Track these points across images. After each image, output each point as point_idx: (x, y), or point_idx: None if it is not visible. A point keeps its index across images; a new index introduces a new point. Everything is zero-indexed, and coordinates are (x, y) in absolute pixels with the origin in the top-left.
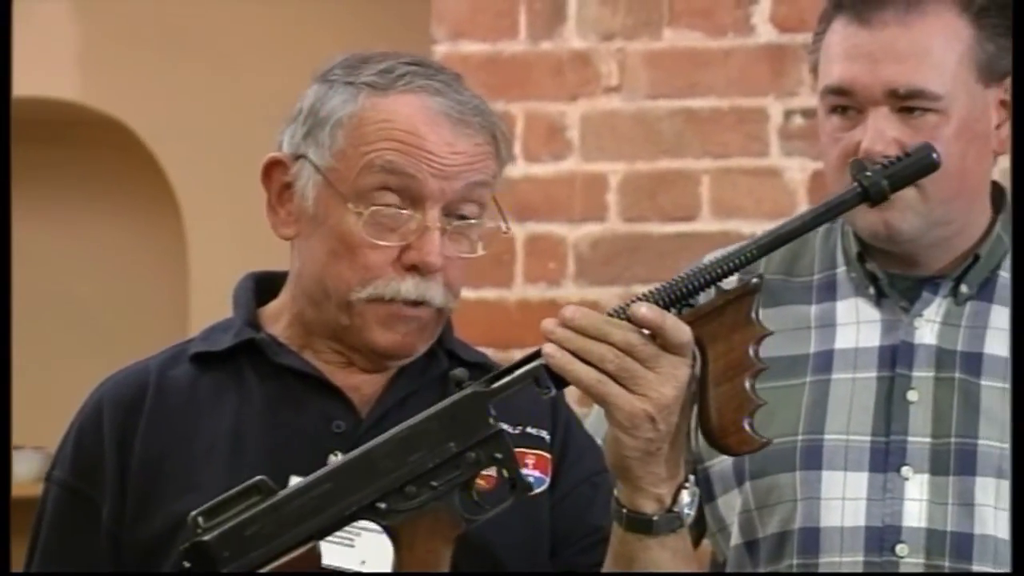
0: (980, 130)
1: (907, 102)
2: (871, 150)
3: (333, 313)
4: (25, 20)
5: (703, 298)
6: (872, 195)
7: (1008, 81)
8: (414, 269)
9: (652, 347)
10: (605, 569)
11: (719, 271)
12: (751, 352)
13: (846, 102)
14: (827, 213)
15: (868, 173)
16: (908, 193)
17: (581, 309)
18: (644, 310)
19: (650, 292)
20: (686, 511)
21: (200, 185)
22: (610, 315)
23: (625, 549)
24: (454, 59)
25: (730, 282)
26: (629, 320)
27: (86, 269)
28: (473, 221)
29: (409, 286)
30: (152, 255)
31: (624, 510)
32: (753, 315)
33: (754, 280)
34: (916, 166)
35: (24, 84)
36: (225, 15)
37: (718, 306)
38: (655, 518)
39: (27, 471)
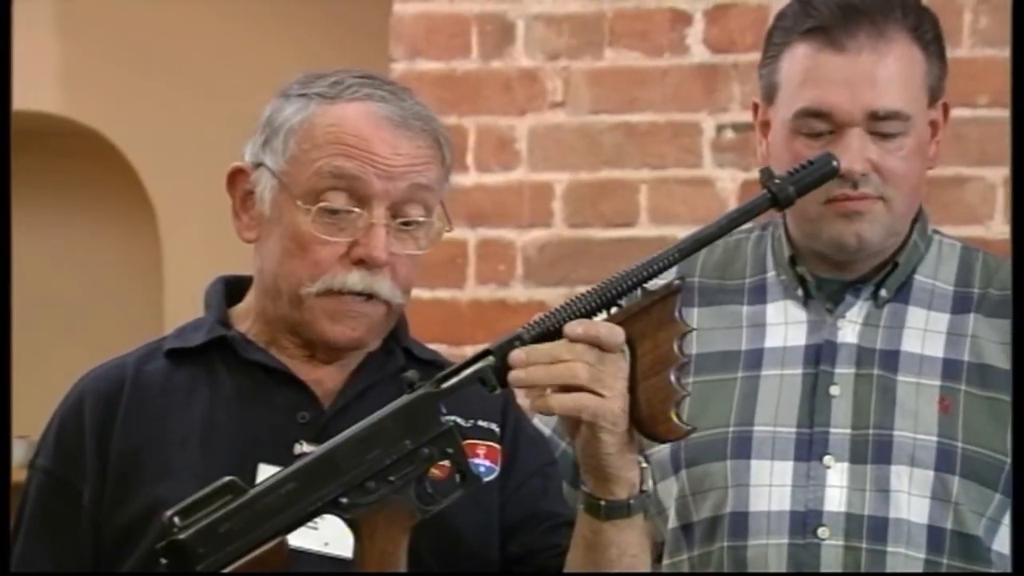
0: (925, 148)
1: (883, 124)
2: (852, 170)
3: (287, 309)
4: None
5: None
6: (780, 200)
7: (939, 103)
8: (361, 263)
9: (594, 351)
10: (574, 559)
11: (644, 274)
12: (675, 347)
13: (822, 125)
14: (740, 218)
15: (776, 181)
16: (877, 207)
17: (522, 349)
18: (579, 329)
19: (582, 296)
20: (650, 484)
21: (174, 193)
22: (539, 321)
23: (601, 538)
24: (411, 76)
25: (654, 283)
26: (560, 335)
27: (67, 270)
28: (421, 220)
29: (356, 278)
30: (129, 257)
31: (602, 502)
32: (676, 314)
33: (676, 282)
34: (818, 173)
35: None
36: (199, 35)
37: (644, 306)
38: (632, 501)
39: (13, 458)
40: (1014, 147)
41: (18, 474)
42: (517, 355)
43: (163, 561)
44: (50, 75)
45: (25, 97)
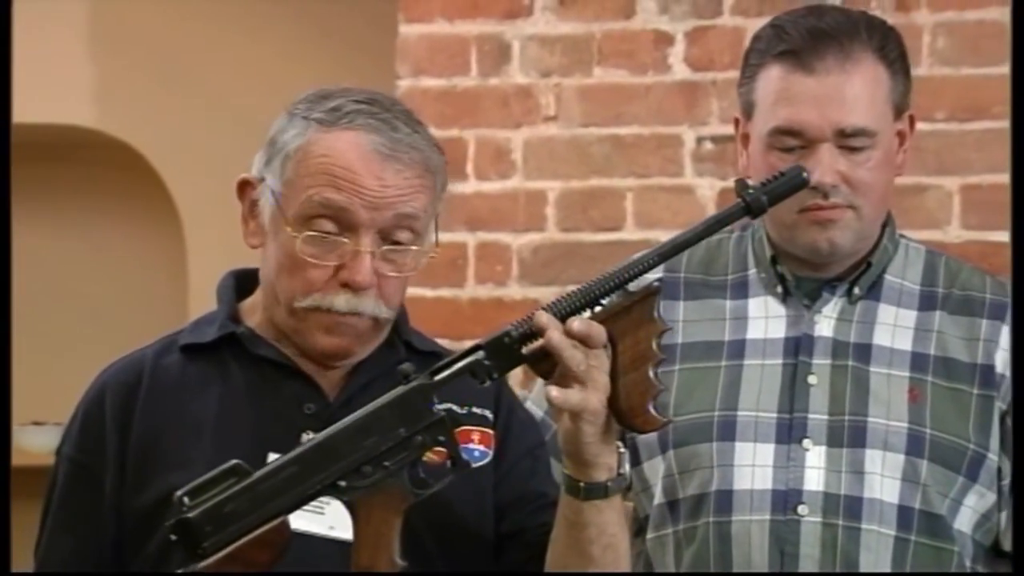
0: (892, 158)
1: (851, 140)
2: (823, 182)
3: (283, 316)
4: (46, 55)
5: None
6: (754, 209)
7: (905, 115)
8: (347, 286)
9: (581, 348)
10: (557, 537)
11: (625, 276)
12: (654, 345)
13: (794, 141)
14: (715, 225)
15: (750, 191)
16: (847, 215)
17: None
18: (577, 325)
19: (567, 295)
20: (627, 468)
21: (198, 199)
22: (527, 318)
23: (581, 517)
24: (415, 92)
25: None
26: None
27: (98, 272)
28: (413, 248)
29: (341, 300)
30: (156, 260)
31: (581, 483)
32: (655, 313)
33: (655, 283)
34: (789, 184)
35: (45, 112)
36: (222, 52)
37: (625, 306)
38: (609, 484)
39: (48, 443)
40: (1014, 146)
41: (49, 458)
42: (550, 319)
43: (172, 537)
44: (83, 91)
45: (60, 112)
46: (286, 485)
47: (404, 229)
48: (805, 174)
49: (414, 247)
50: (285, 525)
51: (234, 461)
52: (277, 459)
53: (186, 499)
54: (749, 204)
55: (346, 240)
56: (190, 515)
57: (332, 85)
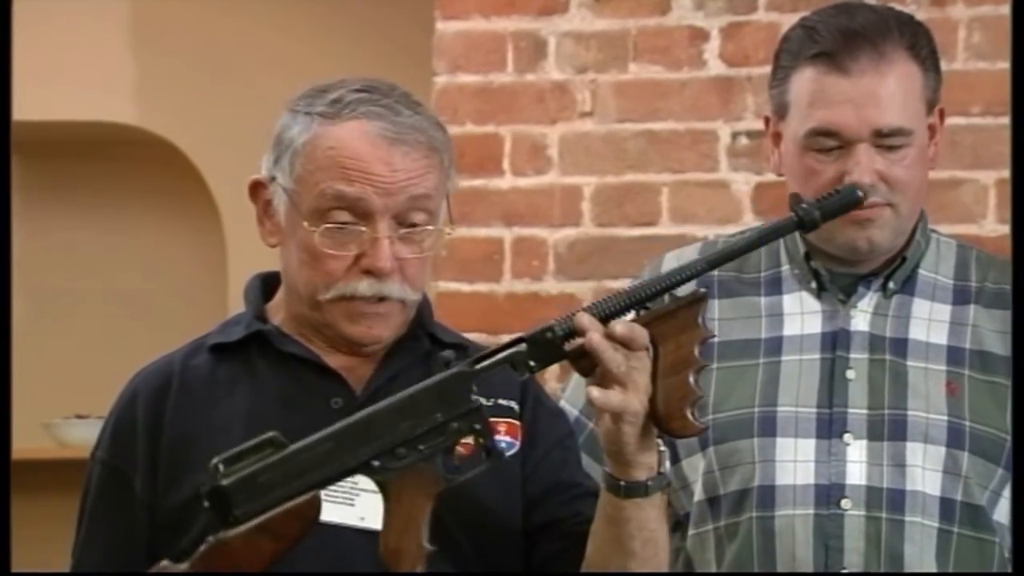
0: (926, 153)
1: (887, 139)
2: (861, 181)
3: (308, 311)
4: (87, 53)
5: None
6: (806, 224)
7: (935, 109)
8: (368, 273)
9: (622, 350)
10: (597, 531)
11: (673, 280)
12: (696, 351)
13: (831, 142)
14: (767, 236)
15: (804, 206)
16: (886, 213)
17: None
18: (620, 328)
19: (614, 296)
20: (667, 466)
21: (237, 196)
22: (571, 316)
23: (621, 514)
24: (452, 88)
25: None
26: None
27: (139, 267)
28: (429, 228)
29: (365, 286)
30: (196, 255)
31: (622, 482)
32: (699, 320)
33: (702, 290)
34: (843, 202)
35: (87, 109)
36: (261, 50)
37: (670, 310)
38: (649, 483)
39: (91, 436)
40: (1014, 147)
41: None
42: (591, 321)
43: (206, 504)
44: (125, 88)
45: (101, 109)
46: (321, 460)
47: (418, 211)
48: (860, 193)
49: (430, 227)
50: (317, 499)
51: (271, 432)
52: (314, 435)
53: (221, 466)
54: (802, 218)
55: (363, 229)
56: (224, 482)
57: (329, 78)
